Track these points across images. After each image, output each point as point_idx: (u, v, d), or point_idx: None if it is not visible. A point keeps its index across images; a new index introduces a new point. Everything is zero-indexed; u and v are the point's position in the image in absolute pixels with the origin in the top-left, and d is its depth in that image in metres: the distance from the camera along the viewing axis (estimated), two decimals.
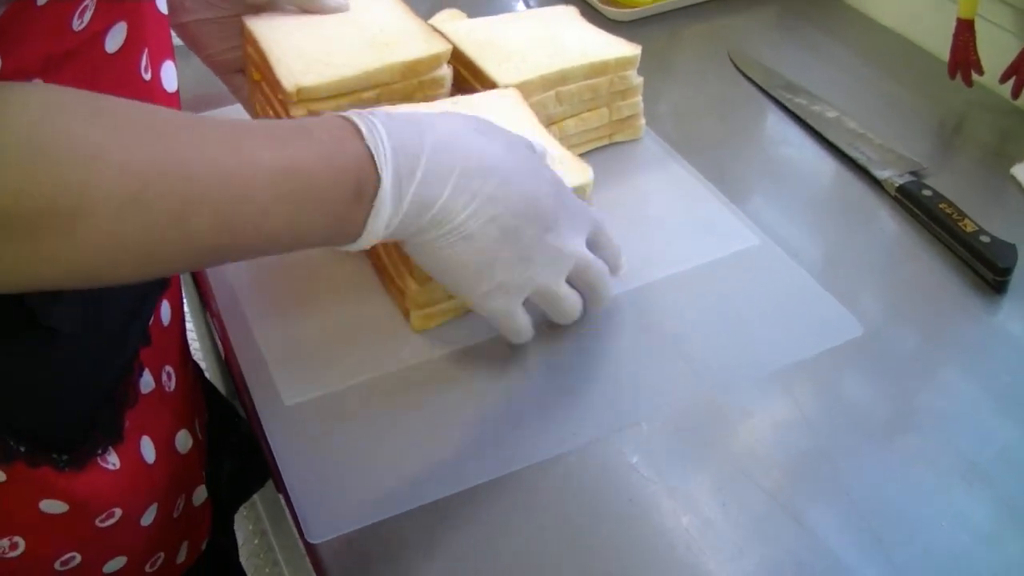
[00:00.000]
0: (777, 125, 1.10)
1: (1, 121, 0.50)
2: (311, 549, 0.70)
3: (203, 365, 2.08)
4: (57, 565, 0.75)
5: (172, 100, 0.74)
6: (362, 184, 0.64)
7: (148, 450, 0.78)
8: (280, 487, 0.74)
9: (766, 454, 0.76)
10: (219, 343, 0.87)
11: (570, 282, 0.78)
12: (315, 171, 0.62)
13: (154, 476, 0.79)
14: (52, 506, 0.71)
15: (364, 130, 0.65)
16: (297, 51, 0.88)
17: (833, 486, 0.74)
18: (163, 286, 0.80)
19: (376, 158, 0.64)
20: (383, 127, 0.66)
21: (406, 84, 0.92)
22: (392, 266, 0.83)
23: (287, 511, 0.73)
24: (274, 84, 0.88)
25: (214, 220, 0.58)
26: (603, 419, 0.78)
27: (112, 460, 0.74)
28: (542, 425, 0.77)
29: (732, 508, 0.72)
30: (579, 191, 0.82)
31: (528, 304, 0.77)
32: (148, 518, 0.80)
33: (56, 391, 0.70)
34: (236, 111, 1.02)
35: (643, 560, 0.69)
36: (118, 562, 0.80)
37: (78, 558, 0.76)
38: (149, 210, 0.54)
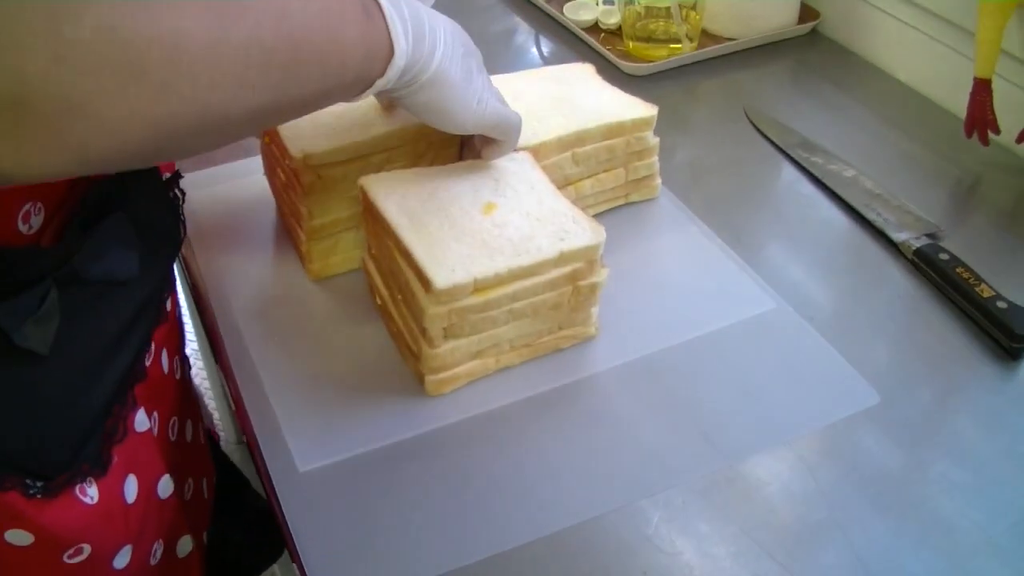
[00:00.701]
0: (793, 184, 1.10)
1: None
2: None
3: (216, 416, 2.10)
4: None
5: None
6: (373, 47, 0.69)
7: (131, 489, 0.78)
8: (294, 555, 0.74)
9: (781, 525, 0.75)
10: (232, 405, 0.87)
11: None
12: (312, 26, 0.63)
13: (131, 517, 0.78)
14: (17, 536, 0.70)
15: None
16: (306, 118, 0.89)
17: (849, 557, 0.73)
18: (156, 320, 0.80)
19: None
20: None
21: (416, 146, 0.92)
22: (407, 331, 0.83)
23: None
24: (282, 149, 0.89)
25: (209, 82, 0.55)
26: (619, 490, 0.77)
27: (91, 493, 0.74)
28: (557, 495, 0.77)
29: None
30: (591, 251, 0.82)
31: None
32: (121, 560, 0.79)
33: (34, 416, 0.69)
34: (255, 163, 1.02)
35: None
36: None
37: None
38: (137, 69, 0.50)
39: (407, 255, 0.80)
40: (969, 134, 1.11)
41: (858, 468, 0.80)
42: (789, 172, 1.12)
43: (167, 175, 0.78)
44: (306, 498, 0.76)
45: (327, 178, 0.89)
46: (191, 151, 0.60)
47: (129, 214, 0.72)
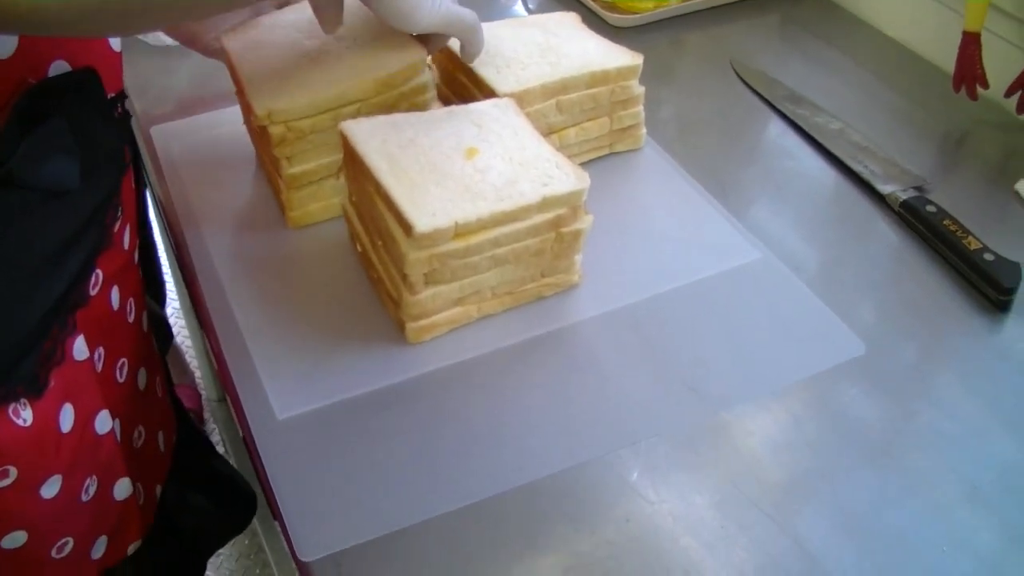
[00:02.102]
0: (780, 136, 1.09)
1: None
2: (302, 567, 0.69)
3: (198, 375, 2.09)
4: None
5: (113, 56, 0.77)
6: None
7: (66, 418, 0.77)
8: (272, 503, 0.73)
9: (765, 474, 0.75)
10: (211, 354, 0.86)
11: None
12: None
13: (63, 446, 0.77)
14: None
15: None
16: (270, 72, 0.87)
17: (833, 508, 0.73)
18: (99, 243, 0.79)
19: None
20: None
21: (386, 96, 0.91)
22: (387, 277, 0.82)
23: (278, 527, 0.72)
24: (247, 106, 0.87)
25: None
26: (601, 438, 0.76)
27: (24, 415, 0.72)
28: (538, 442, 0.76)
29: (731, 529, 0.71)
30: (574, 197, 0.81)
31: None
32: (49, 490, 0.77)
33: None
34: (234, 113, 1.01)
35: None
36: (17, 537, 0.78)
37: None
38: None
39: (388, 200, 0.78)
40: (957, 88, 1.10)
41: (843, 418, 0.79)
42: (776, 124, 1.11)
43: (112, 94, 0.77)
44: (285, 445, 0.75)
45: (296, 129, 0.87)
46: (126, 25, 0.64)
47: (70, 124, 0.70)
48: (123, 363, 0.85)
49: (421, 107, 0.92)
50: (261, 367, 0.81)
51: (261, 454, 0.75)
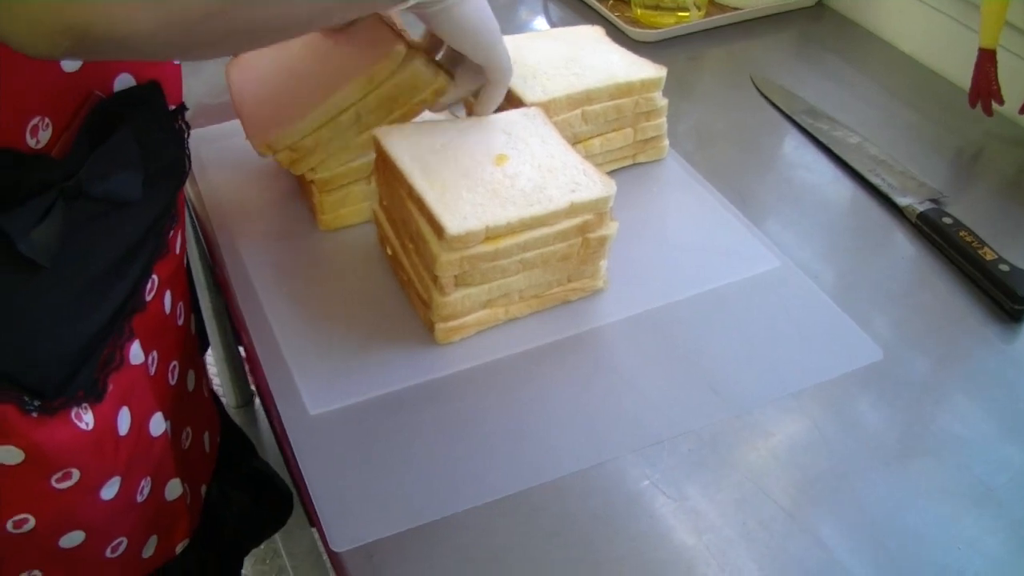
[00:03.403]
0: (798, 150, 1.11)
1: None
2: (334, 557, 0.70)
3: (216, 382, 2.10)
4: (9, 525, 0.75)
5: (174, 66, 0.79)
6: None
7: (124, 421, 0.79)
8: (304, 496, 0.75)
9: (785, 474, 0.76)
10: (243, 351, 0.88)
11: None
12: None
13: (121, 448, 0.79)
14: (8, 454, 0.71)
15: None
16: (262, 101, 0.90)
17: (851, 507, 0.74)
18: (157, 251, 0.81)
19: None
20: None
21: (379, 94, 0.90)
22: (418, 279, 0.84)
23: (309, 519, 0.74)
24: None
25: None
26: (624, 437, 0.78)
27: (87, 419, 0.74)
28: (563, 441, 0.78)
29: (751, 526, 0.72)
30: (601, 204, 0.83)
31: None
32: (109, 492, 0.79)
33: (32, 331, 0.70)
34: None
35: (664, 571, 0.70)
36: (75, 537, 0.80)
37: (32, 521, 0.75)
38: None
39: (420, 203, 0.80)
40: (973, 104, 1.11)
41: (861, 422, 0.81)
42: (794, 138, 1.13)
43: (173, 106, 0.79)
44: (316, 441, 0.77)
45: (301, 149, 0.90)
46: (208, 48, 0.63)
47: (135, 136, 0.72)
48: (174, 366, 0.87)
49: (430, 102, 0.92)
50: (293, 365, 0.83)
51: (294, 448, 0.77)
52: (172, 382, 0.87)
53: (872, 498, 0.75)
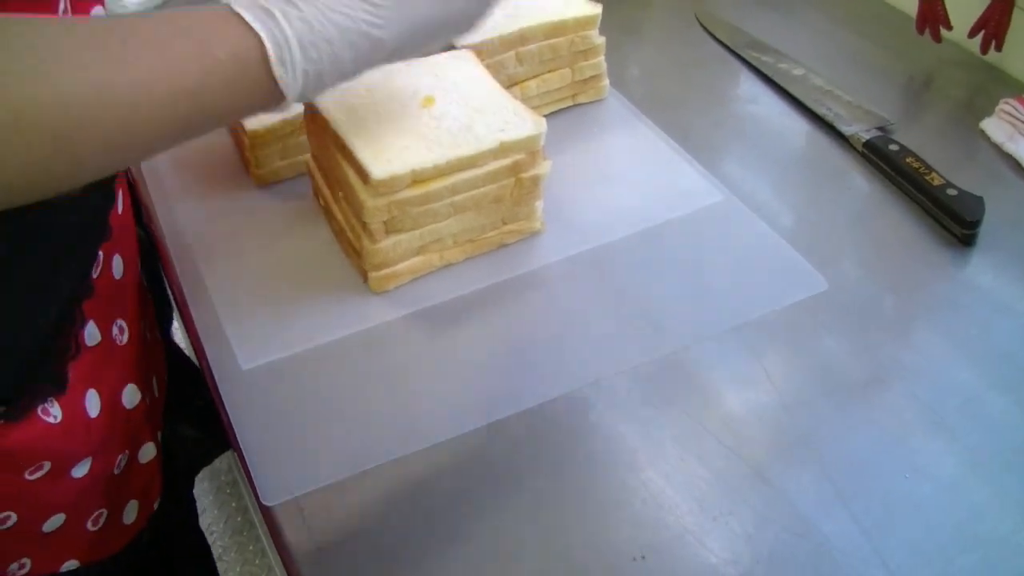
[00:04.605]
0: (744, 84, 1.09)
1: None
2: (267, 513, 0.69)
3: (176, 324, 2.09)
4: None
5: None
6: (266, 103, 0.62)
7: (93, 403, 0.77)
8: (238, 452, 0.73)
9: (727, 410, 0.75)
10: (177, 307, 0.87)
11: None
12: (213, 96, 0.59)
13: (93, 430, 0.78)
14: None
15: (272, 55, 0.60)
16: None
17: (794, 438, 0.73)
18: (100, 237, 0.78)
19: (284, 88, 0.61)
20: (296, 48, 0.61)
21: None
22: (349, 228, 0.82)
23: (242, 474, 0.72)
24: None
25: (101, 143, 0.55)
26: (564, 376, 0.77)
27: (54, 412, 0.73)
28: (501, 384, 0.77)
29: (692, 463, 0.71)
30: (532, 142, 0.81)
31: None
32: (80, 471, 0.78)
33: None
34: None
35: (602, 513, 0.68)
36: (56, 520, 0.78)
37: (13, 517, 0.74)
38: (26, 138, 0.52)
39: (345, 150, 0.79)
40: (921, 31, 1.10)
41: (806, 352, 0.79)
42: (739, 72, 1.11)
43: None
44: (249, 396, 0.76)
45: None
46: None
47: None
48: (131, 324, 0.85)
49: None
50: (225, 320, 0.81)
51: (226, 405, 0.75)
52: (132, 341, 0.85)
53: (816, 428, 0.74)
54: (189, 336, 0.83)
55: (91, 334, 0.77)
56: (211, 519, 1.90)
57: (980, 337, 0.81)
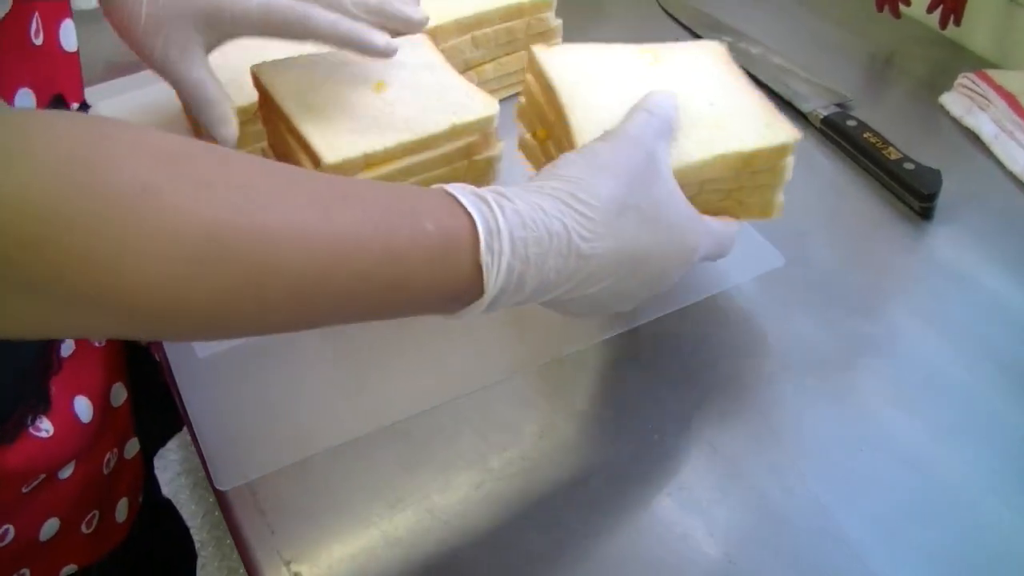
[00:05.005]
0: None
1: (24, 152, 0.43)
2: (222, 498, 0.69)
3: None
4: None
5: (71, 61, 0.72)
6: (462, 293, 0.57)
7: (83, 409, 0.77)
8: (194, 439, 0.73)
9: (681, 384, 0.75)
10: None
11: None
12: (414, 267, 0.54)
13: (85, 434, 0.78)
14: None
15: (483, 240, 0.56)
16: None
17: (752, 414, 0.73)
18: None
19: (486, 278, 0.57)
20: (507, 239, 0.57)
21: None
22: None
23: (199, 459, 0.72)
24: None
25: (293, 292, 0.51)
26: (513, 357, 0.77)
27: (45, 427, 0.73)
28: (450, 365, 0.77)
29: (651, 437, 0.71)
30: (484, 123, 0.81)
31: None
32: (64, 472, 0.78)
33: None
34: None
35: (550, 493, 0.68)
36: (52, 526, 0.78)
37: (12, 531, 0.74)
38: (214, 270, 0.47)
39: (298, 137, 0.78)
40: (880, 8, 1.10)
41: (764, 329, 0.80)
42: None
43: (75, 105, 0.76)
44: (204, 383, 0.76)
45: None
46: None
47: None
48: None
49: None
50: None
51: (181, 392, 0.75)
52: (115, 341, 0.85)
53: (775, 404, 0.74)
54: None
55: (66, 346, 0.77)
56: (188, 514, 1.90)
57: (940, 310, 0.81)
